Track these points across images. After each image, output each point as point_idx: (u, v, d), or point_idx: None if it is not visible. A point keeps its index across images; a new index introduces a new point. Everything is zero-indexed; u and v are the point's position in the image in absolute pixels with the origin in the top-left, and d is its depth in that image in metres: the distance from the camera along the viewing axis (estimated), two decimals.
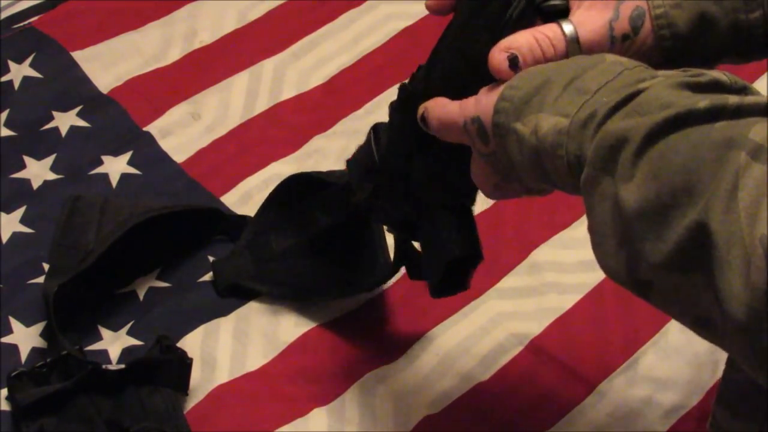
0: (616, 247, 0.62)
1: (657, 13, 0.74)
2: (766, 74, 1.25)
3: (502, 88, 0.70)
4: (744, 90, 0.62)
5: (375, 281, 1.05)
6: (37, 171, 1.18)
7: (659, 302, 0.62)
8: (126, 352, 1.03)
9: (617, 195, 0.61)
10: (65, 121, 1.23)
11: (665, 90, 0.62)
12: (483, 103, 0.72)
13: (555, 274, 1.10)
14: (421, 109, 0.78)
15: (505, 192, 0.77)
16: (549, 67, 0.70)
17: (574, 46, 0.73)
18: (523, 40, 0.72)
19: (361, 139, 0.91)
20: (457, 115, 0.74)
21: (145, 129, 1.22)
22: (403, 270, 0.99)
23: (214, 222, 1.12)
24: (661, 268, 0.59)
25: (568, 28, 0.73)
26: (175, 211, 1.10)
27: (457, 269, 0.88)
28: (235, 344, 1.04)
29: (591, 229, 0.65)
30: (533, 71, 0.70)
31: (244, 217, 1.12)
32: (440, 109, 0.77)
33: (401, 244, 0.95)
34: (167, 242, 1.10)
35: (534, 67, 0.70)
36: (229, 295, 1.07)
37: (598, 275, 1.04)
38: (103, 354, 1.03)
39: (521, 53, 0.72)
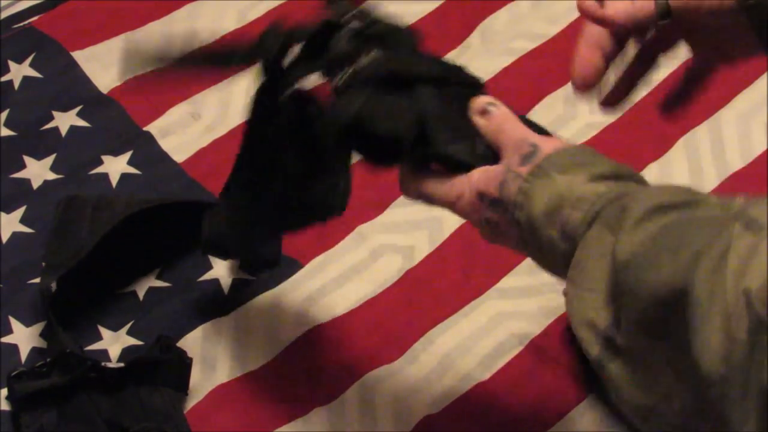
0: (603, 303, 0.65)
1: None
2: (766, 74, 1.25)
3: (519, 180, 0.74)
4: None
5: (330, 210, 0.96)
6: (37, 171, 1.18)
7: (621, 374, 0.65)
8: (126, 352, 1.03)
9: (614, 248, 0.65)
10: (65, 121, 1.23)
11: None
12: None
13: None
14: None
15: (496, 241, 0.81)
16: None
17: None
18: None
19: None
20: (468, 187, 0.78)
21: (145, 129, 1.22)
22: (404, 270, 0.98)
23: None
24: (637, 326, 0.63)
25: None
26: (168, 203, 1.10)
27: None
28: (235, 344, 1.04)
29: (578, 286, 0.68)
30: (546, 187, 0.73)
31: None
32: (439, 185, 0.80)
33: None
34: (165, 239, 1.10)
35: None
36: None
37: None
38: (103, 354, 1.03)
39: None
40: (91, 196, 1.09)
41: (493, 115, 0.79)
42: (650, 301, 0.61)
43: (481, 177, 0.77)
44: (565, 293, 0.70)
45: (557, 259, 0.71)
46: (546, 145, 0.75)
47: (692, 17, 0.81)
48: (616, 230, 0.65)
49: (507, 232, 0.76)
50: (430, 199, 0.81)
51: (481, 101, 0.80)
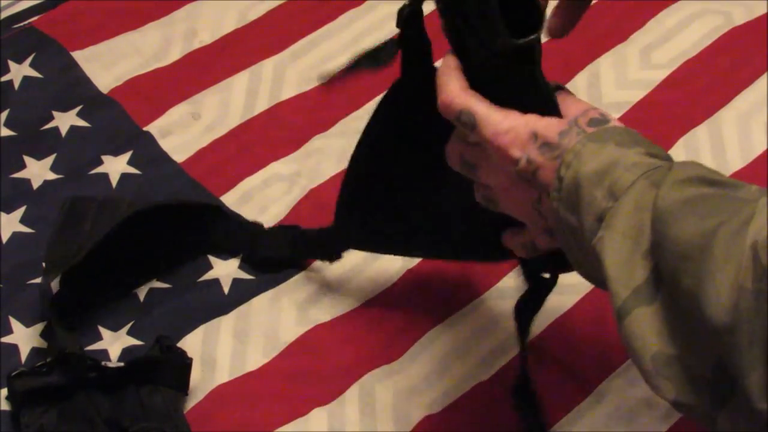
0: (641, 252, 0.67)
1: None
2: (766, 74, 1.25)
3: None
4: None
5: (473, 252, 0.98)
6: (37, 171, 1.18)
7: (647, 320, 0.66)
8: (126, 352, 1.03)
9: (655, 200, 0.67)
10: (65, 121, 1.23)
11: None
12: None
13: None
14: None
15: (516, 196, 0.80)
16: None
17: None
18: None
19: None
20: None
21: (145, 129, 1.22)
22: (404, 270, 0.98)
23: (217, 223, 1.11)
24: (667, 275, 0.64)
25: None
26: (173, 205, 1.10)
27: None
28: (235, 344, 1.04)
29: (617, 231, 0.69)
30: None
31: (254, 224, 1.11)
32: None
33: None
34: (167, 241, 1.10)
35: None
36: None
37: None
38: (103, 354, 1.03)
39: None
40: (95, 197, 1.09)
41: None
42: (672, 253, 0.63)
43: (539, 119, 0.76)
44: (597, 241, 0.70)
45: (592, 220, 0.71)
46: (615, 120, 0.77)
47: None
48: (658, 185, 0.67)
49: (543, 181, 0.75)
50: (473, 126, 0.78)
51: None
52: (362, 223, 1.02)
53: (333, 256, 1.07)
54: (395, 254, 1.07)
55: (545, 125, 0.76)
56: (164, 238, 1.09)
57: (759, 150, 1.19)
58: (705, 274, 0.60)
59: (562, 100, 0.78)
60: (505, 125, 0.77)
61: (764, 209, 0.60)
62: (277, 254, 1.09)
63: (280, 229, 1.11)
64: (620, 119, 1.19)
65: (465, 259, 1.05)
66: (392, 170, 0.97)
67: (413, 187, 0.97)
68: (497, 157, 0.78)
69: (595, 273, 0.72)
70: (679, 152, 1.20)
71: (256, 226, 1.11)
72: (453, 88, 0.79)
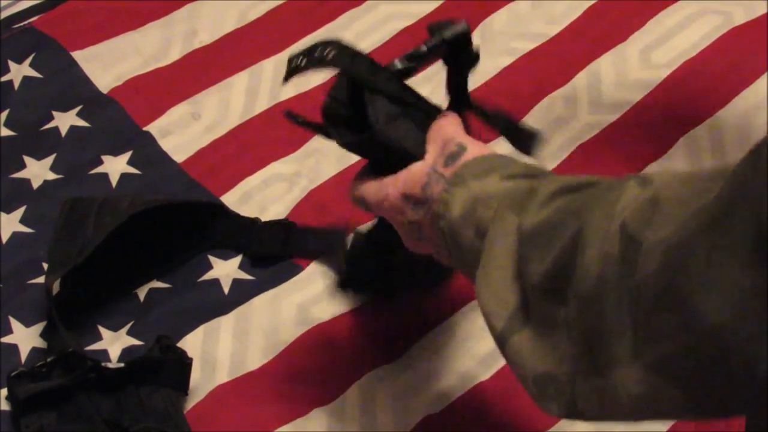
0: (510, 277, 0.69)
1: None
2: (765, 74, 1.25)
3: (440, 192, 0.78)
4: None
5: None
6: (37, 171, 1.18)
7: (524, 344, 0.68)
8: (126, 352, 1.03)
9: (519, 224, 0.69)
10: (65, 121, 1.23)
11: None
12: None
13: None
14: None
15: (418, 247, 0.85)
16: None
17: None
18: None
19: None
20: (393, 188, 0.82)
21: (145, 129, 1.22)
22: None
23: (217, 221, 1.11)
24: (537, 290, 0.66)
25: None
26: (174, 203, 1.10)
27: None
28: (235, 344, 1.04)
29: (486, 265, 0.71)
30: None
31: (251, 219, 1.12)
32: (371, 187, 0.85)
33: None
34: (169, 242, 1.10)
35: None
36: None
37: None
38: (103, 354, 1.03)
39: None
40: (96, 198, 1.09)
41: (438, 120, 0.83)
42: (552, 263, 0.65)
43: (406, 177, 0.81)
44: (475, 282, 0.73)
45: (476, 259, 0.73)
46: (472, 149, 0.79)
47: None
48: (520, 210, 0.70)
49: (429, 236, 0.80)
50: (364, 202, 0.85)
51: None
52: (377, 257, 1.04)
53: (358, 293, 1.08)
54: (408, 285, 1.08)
55: (410, 183, 0.80)
56: (165, 237, 1.09)
57: None
58: (573, 256, 0.62)
59: (430, 136, 0.82)
60: (381, 195, 0.83)
61: (631, 188, 0.62)
62: (269, 250, 1.10)
63: (274, 224, 1.11)
64: (620, 119, 1.19)
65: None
66: None
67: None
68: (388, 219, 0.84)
69: None
70: (679, 152, 1.20)
71: (253, 222, 1.11)
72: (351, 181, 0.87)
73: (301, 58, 0.85)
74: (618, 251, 0.59)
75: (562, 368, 0.64)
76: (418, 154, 0.82)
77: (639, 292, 0.57)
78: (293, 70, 0.86)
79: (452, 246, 0.77)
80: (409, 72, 0.88)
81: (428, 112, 0.86)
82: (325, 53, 0.84)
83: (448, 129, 0.82)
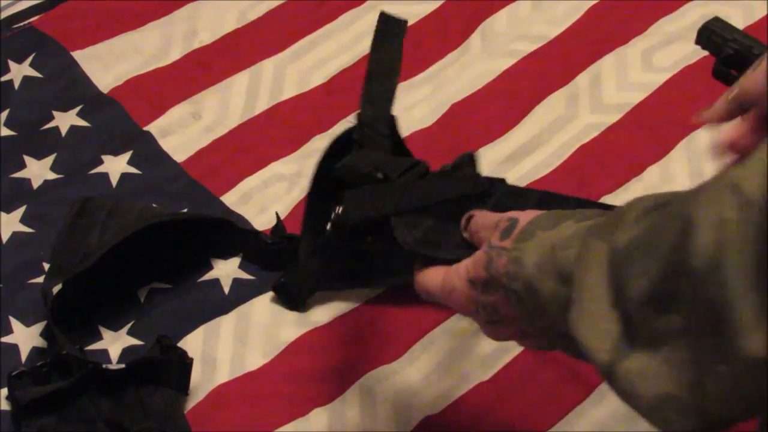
0: (608, 304, 0.64)
1: None
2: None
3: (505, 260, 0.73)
4: None
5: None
6: (37, 171, 1.18)
7: (635, 367, 0.63)
8: (126, 352, 1.03)
9: (611, 249, 0.64)
10: (65, 120, 1.23)
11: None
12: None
13: None
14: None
15: (499, 334, 0.80)
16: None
17: None
18: None
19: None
20: (457, 278, 0.78)
21: (145, 129, 1.22)
22: None
23: (225, 234, 1.10)
24: (643, 305, 0.61)
25: None
26: (182, 219, 1.10)
27: None
28: (236, 344, 1.04)
29: (580, 299, 0.66)
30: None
31: (257, 233, 1.11)
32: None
33: None
34: (175, 252, 1.09)
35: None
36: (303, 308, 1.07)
37: None
38: (103, 354, 1.03)
39: None
40: (106, 201, 1.08)
41: (472, 223, 0.81)
42: (658, 268, 0.60)
43: (468, 265, 0.77)
44: (569, 323, 0.67)
45: (562, 311, 0.68)
46: (524, 215, 0.75)
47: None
48: (608, 235, 0.65)
49: (507, 314, 0.75)
50: (430, 296, 0.81)
51: (464, 219, 0.81)
52: (325, 264, 1.05)
53: (297, 303, 1.08)
54: (359, 287, 1.08)
55: (473, 266, 0.76)
56: (171, 249, 1.09)
57: None
58: (684, 246, 0.58)
59: (473, 232, 0.80)
60: (448, 288, 0.79)
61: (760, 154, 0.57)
62: (274, 264, 1.10)
63: (279, 239, 1.10)
64: (621, 120, 1.19)
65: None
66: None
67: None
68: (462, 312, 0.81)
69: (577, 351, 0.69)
70: (680, 155, 1.20)
71: (257, 235, 1.10)
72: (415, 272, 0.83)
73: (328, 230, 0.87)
74: (736, 215, 0.55)
75: (680, 380, 0.60)
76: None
77: (764, 254, 0.54)
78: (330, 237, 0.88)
79: (531, 305, 0.71)
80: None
81: (457, 206, 0.84)
82: (337, 214, 0.85)
83: (487, 216, 0.79)
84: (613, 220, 0.66)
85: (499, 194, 0.85)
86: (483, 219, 0.80)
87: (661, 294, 0.60)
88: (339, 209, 0.86)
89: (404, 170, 0.87)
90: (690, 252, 0.57)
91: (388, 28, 0.94)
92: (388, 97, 0.93)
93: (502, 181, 0.87)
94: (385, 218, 0.84)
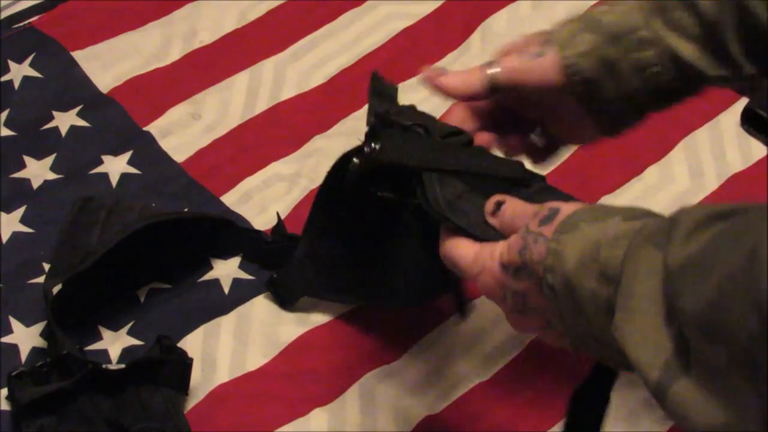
0: (661, 321, 0.61)
1: (566, 63, 0.81)
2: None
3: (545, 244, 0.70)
4: None
5: (425, 295, 1.03)
6: (37, 171, 1.18)
7: (688, 392, 0.60)
8: (126, 352, 1.03)
9: (665, 259, 0.61)
10: (65, 120, 1.23)
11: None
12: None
13: None
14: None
15: (525, 324, 0.77)
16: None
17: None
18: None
19: (361, 139, 0.91)
20: (491, 258, 0.75)
21: (145, 129, 1.22)
22: None
23: (226, 233, 1.10)
24: (697, 329, 0.58)
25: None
26: (182, 218, 1.10)
27: None
28: (236, 344, 1.04)
29: (630, 310, 0.63)
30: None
31: (258, 232, 1.11)
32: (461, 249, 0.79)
33: None
34: (175, 252, 1.09)
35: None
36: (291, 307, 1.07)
37: None
38: (103, 354, 1.03)
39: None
40: (106, 201, 1.08)
41: (503, 209, 0.77)
42: (711, 298, 0.57)
43: (503, 248, 0.74)
44: (614, 329, 0.64)
45: (600, 313, 0.66)
46: (567, 206, 0.72)
47: (520, 93, 0.84)
48: (664, 245, 0.61)
49: (536, 304, 0.72)
50: (457, 267, 0.78)
51: (490, 203, 0.78)
52: (319, 272, 1.04)
53: (286, 302, 1.07)
54: (351, 303, 1.07)
55: (507, 250, 0.73)
56: (171, 248, 1.09)
57: (759, 153, 1.19)
58: (749, 273, 0.54)
59: (505, 222, 0.77)
60: (477, 267, 0.76)
61: None
62: (276, 264, 1.09)
63: (279, 238, 1.09)
64: None
65: (414, 304, 1.06)
66: (343, 229, 1.01)
67: (364, 242, 1.01)
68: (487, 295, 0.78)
69: (619, 358, 0.66)
70: (679, 155, 1.20)
71: (258, 234, 1.10)
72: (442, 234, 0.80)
73: (354, 163, 0.83)
74: None
75: (737, 414, 0.57)
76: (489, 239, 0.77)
77: None
78: (353, 175, 0.83)
79: (566, 302, 0.68)
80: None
81: (498, 180, 0.82)
82: (372, 149, 0.81)
83: (525, 206, 0.76)
84: (665, 228, 0.63)
85: (535, 188, 0.83)
86: (519, 207, 0.77)
87: (715, 320, 0.57)
88: (374, 145, 0.81)
89: (447, 134, 0.85)
90: (757, 284, 0.54)
91: (381, 88, 0.92)
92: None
93: (542, 178, 0.85)
94: (415, 174, 0.81)
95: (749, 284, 0.54)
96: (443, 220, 0.79)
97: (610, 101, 0.82)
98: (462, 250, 0.78)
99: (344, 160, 0.93)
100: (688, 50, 0.80)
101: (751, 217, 0.58)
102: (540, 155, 0.91)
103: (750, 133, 0.91)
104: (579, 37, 0.81)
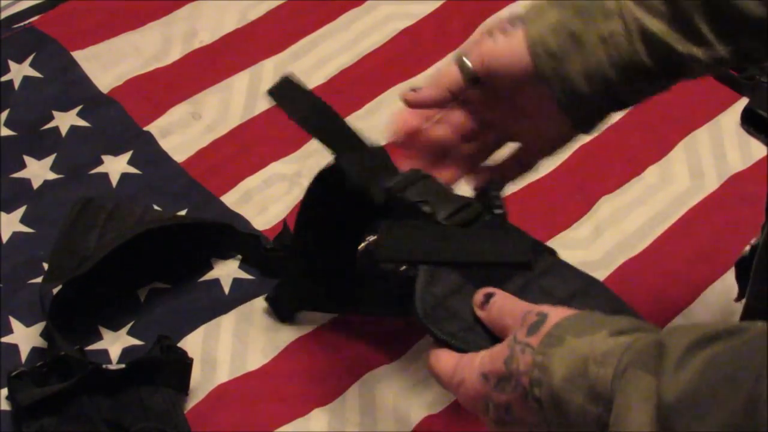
0: None
1: (532, 38, 0.80)
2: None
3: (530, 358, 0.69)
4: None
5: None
6: (37, 171, 1.18)
7: None
8: (126, 352, 1.03)
9: (658, 388, 0.60)
10: (65, 120, 1.23)
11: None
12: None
13: None
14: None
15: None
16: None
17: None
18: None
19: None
20: (469, 370, 0.74)
21: (145, 129, 1.22)
22: None
23: (226, 237, 1.10)
24: None
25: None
26: (181, 224, 1.10)
27: None
28: (236, 344, 1.04)
29: None
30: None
31: (258, 236, 1.10)
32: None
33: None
34: (175, 255, 1.09)
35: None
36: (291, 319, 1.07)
37: (598, 275, 1.04)
38: (103, 354, 1.03)
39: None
40: (106, 202, 1.08)
41: (492, 303, 0.76)
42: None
43: (484, 358, 0.72)
44: None
45: (590, 427, 0.65)
46: (555, 313, 0.70)
47: (494, 82, 0.84)
48: (655, 370, 0.60)
49: (521, 416, 0.70)
50: (438, 380, 0.77)
51: (479, 295, 0.77)
52: (314, 286, 1.04)
53: (285, 317, 1.07)
54: (339, 312, 1.06)
55: (489, 360, 0.72)
56: (171, 251, 1.09)
57: (760, 153, 1.19)
58: (747, 397, 0.54)
59: (494, 320, 0.75)
60: (456, 380, 0.74)
61: None
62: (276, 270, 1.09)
63: (280, 246, 1.09)
64: (621, 120, 1.19)
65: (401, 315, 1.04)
66: (331, 245, 1.00)
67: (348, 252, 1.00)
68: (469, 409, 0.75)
69: None
70: (680, 155, 1.20)
71: (258, 238, 1.10)
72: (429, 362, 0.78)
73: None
74: None
75: None
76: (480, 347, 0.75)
77: None
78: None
79: (554, 416, 0.67)
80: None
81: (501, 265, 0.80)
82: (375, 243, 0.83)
83: (514, 305, 0.74)
84: (655, 349, 0.62)
85: (539, 269, 0.80)
86: (509, 305, 0.75)
87: None
88: (372, 238, 0.84)
89: (454, 210, 0.84)
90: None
91: (285, 89, 0.92)
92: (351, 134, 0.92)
93: (552, 252, 0.82)
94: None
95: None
96: (426, 330, 0.78)
97: (578, 80, 0.81)
98: (441, 363, 0.76)
99: (319, 180, 0.96)
100: (655, 24, 0.78)
101: (740, 349, 0.57)
102: (514, 172, 0.91)
103: (750, 133, 0.91)
104: (546, 13, 0.81)
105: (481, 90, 0.85)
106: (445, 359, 0.76)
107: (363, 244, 0.86)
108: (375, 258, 0.83)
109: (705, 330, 0.60)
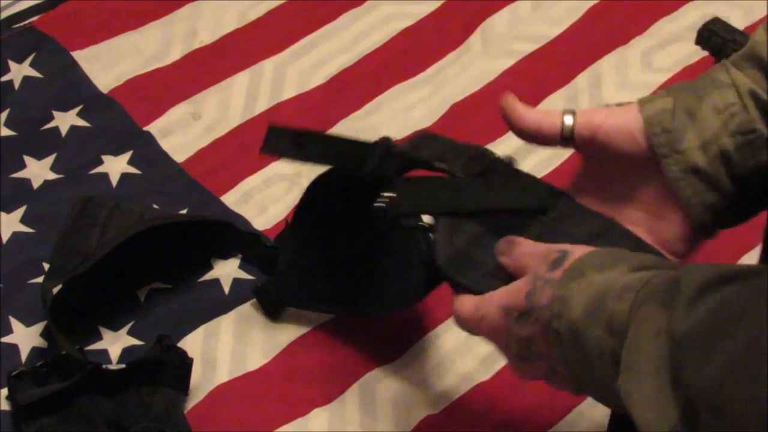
0: (667, 383, 0.60)
1: (646, 113, 0.77)
2: None
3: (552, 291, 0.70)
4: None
5: (405, 301, 1.01)
6: (37, 171, 1.18)
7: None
8: (126, 352, 1.03)
9: (669, 322, 0.60)
10: (65, 120, 1.23)
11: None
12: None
13: None
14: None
15: (529, 371, 0.75)
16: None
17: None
18: None
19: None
20: (490, 305, 0.75)
21: (145, 129, 1.22)
22: None
23: (226, 236, 1.10)
24: (702, 403, 0.57)
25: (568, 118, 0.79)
26: (181, 222, 1.10)
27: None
28: (236, 344, 1.04)
29: (635, 370, 0.62)
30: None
31: (257, 235, 1.10)
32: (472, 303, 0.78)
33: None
34: (175, 253, 1.09)
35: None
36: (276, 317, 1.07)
37: None
38: (103, 354, 1.03)
39: None
40: (107, 201, 1.08)
41: (515, 249, 0.77)
42: (715, 379, 0.56)
43: (504, 292, 0.74)
44: (619, 387, 0.63)
45: (605, 363, 0.65)
46: (577, 249, 0.71)
47: (600, 154, 0.79)
48: (669, 306, 0.61)
49: (541, 351, 0.71)
50: (462, 322, 0.78)
51: (501, 242, 0.78)
52: (301, 283, 1.05)
53: (271, 312, 1.07)
54: (329, 312, 1.07)
55: (510, 295, 0.73)
56: (171, 250, 1.09)
57: None
58: (749, 365, 0.54)
59: (517, 263, 0.76)
60: (479, 315, 0.76)
61: None
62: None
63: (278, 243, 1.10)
64: None
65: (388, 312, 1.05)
66: (322, 242, 1.02)
67: (343, 254, 1.02)
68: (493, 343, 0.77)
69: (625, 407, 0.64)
70: None
71: (257, 237, 1.10)
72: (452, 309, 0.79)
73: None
74: None
75: None
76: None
77: None
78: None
79: (571, 348, 0.68)
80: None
81: (514, 222, 0.81)
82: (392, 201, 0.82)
83: (535, 246, 0.76)
84: (670, 285, 0.62)
85: (555, 214, 0.81)
86: (531, 248, 0.76)
87: (720, 402, 0.56)
88: (388, 195, 0.83)
89: (468, 159, 0.84)
90: (757, 377, 0.53)
91: (274, 139, 0.92)
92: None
93: (568, 196, 0.82)
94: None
95: (749, 376, 0.54)
96: (448, 279, 0.80)
97: (693, 152, 0.76)
98: (464, 305, 0.78)
99: (317, 183, 0.97)
100: (764, 87, 0.75)
101: (755, 290, 0.57)
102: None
103: None
104: (661, 96, 0.78)
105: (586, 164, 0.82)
106: (466, 301, 0.77)
107: (378, 203, 0.84)
108: (394, 213, 0.84)
109: (721, 270, 0.60)
